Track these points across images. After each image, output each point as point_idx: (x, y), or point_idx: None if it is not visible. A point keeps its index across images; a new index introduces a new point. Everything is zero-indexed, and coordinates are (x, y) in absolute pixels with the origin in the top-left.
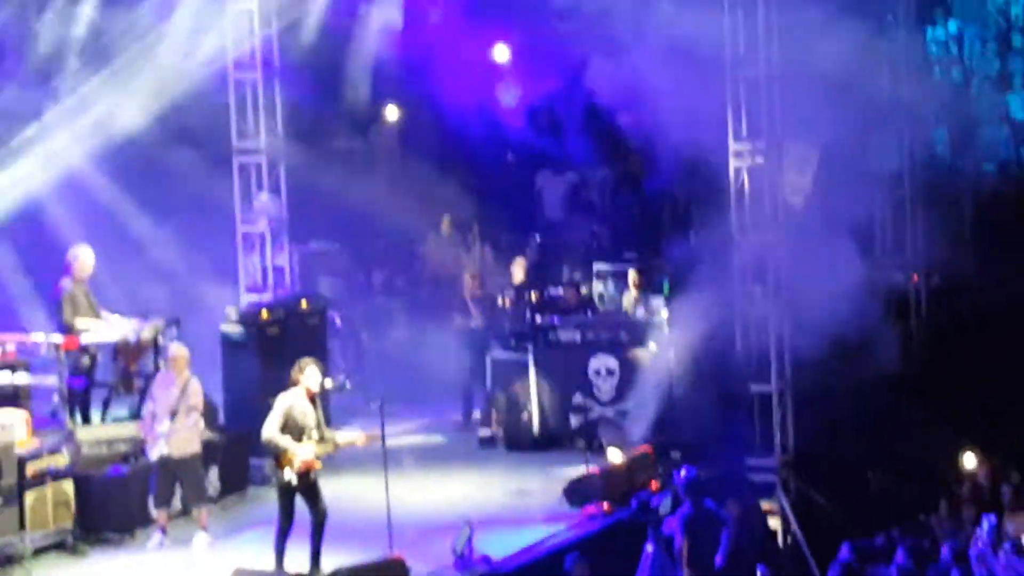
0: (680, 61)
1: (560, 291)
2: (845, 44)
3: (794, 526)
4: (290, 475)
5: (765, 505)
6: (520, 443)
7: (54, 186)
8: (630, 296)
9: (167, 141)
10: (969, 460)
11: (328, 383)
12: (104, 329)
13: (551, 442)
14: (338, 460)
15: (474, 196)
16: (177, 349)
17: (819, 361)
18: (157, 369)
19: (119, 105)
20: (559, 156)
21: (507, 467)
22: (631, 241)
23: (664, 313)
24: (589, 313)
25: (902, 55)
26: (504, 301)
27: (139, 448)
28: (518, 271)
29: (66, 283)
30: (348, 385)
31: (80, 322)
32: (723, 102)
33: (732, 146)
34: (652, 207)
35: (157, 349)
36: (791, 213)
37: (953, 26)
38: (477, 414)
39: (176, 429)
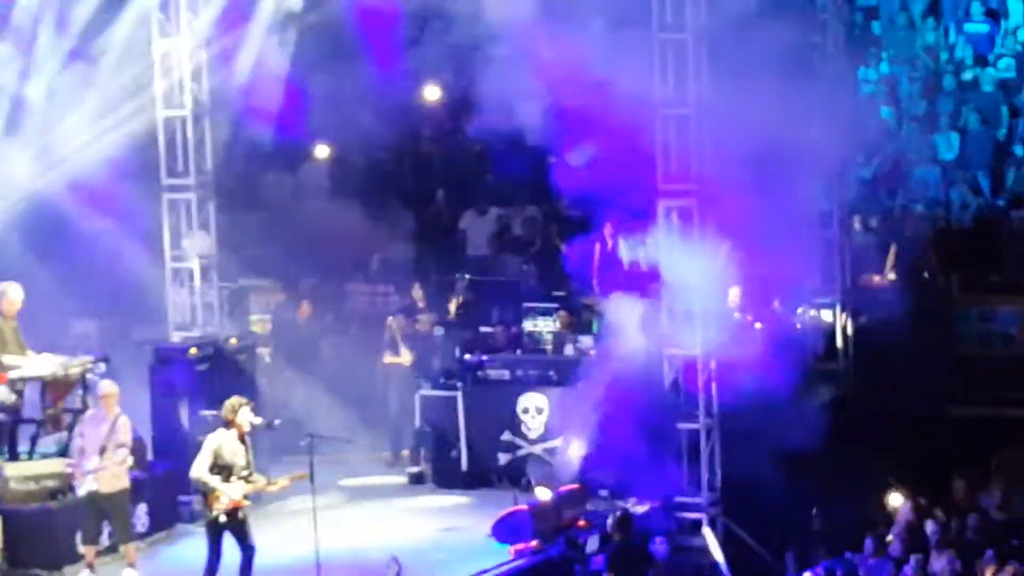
0: (608, 98)
1: (489, 329)
2: (775, 84)
3: (722, 564)
4: (218, 513)
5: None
6: (449, 480)
7: None
8: (559, 335)
9: (99, 175)
10: (895, 499)
11: (258, 421)
12: (32, 365)
13: (480, 479)
14: (267, 497)
15: (404, 234)
16: (107, 386)
17: (747, 401)
18: (85, 406)
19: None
20: (488, 193)
21: (436, 504)
22: (560, 279)
23: (593, 351)
24: (518, 351)
25: (832, 95)
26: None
27: (67, 484)
28: (452, 307)
29: None
30: (277, 423)
31: (7, 358)
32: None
33: (662, 186)
34: (581, 245)
35: (85, 385)
36: (718, 253)
37: (885, 67)
38: (406, 451)
39: (105, 465)
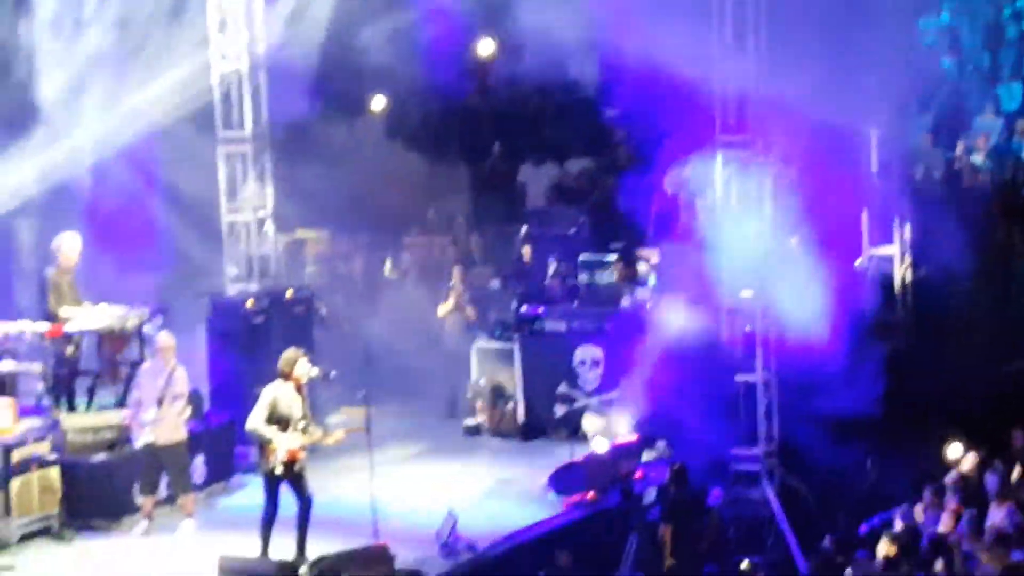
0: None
1: (547, 281)
2: (835, 33)
3: (779, 516)
4: (275, 465)
5: (749, 494)
6: (505, 432)
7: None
8: (615, 286)
9: (153, 130)
10: (954, 450)
11: (314, 372)
12: (89, 318)
13: (536, 431)
14: (323, 449)
15: (461, 187)
16: (164, 338)
17: (804, 352)
18: (142, 358)
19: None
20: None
21: (492, 456)
22: (617, 231)
23: (649, 303)
24: (575, 303)
25: (893, 44)
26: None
27: (125, 436)
28: (526, 253)
29: (50, 272)
30: (333, 375)
31: (64, 310)
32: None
33: (719, 136)
34: (638, 198)
35: (142, 338)
36: (777, 204)
37: (946, 17)
38: (463, 403)
39: (162, 417)
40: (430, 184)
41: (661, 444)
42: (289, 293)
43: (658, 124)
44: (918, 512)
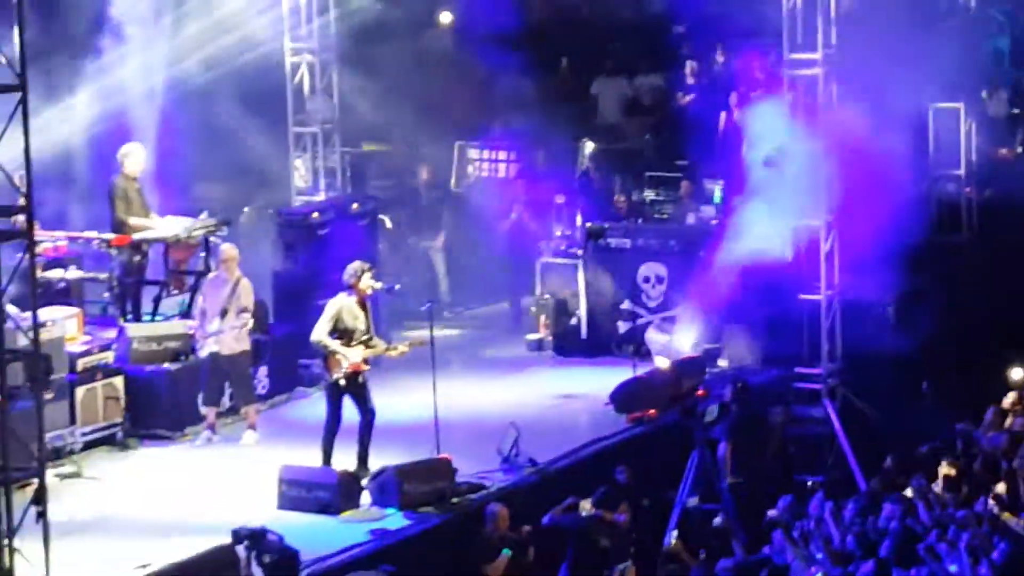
0: None
1: (613, 197)
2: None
3: (840, 435)
4: (339, 376)
5: (810, 413)
6: (568, 348)
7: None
8: (681, 204)
9: (218, 47)
10: (1016, 373)
11: (378, 285)
12: (156, 227)
13: (599, 347)
14: (386, 362)
15: (528, 100)
16: (229, 249)
17: (870, 270)
18: (207, 268)
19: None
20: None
21: (554, 371)
22: (685, 149)
23: (715, 221)
24: (639, 220)
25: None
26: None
27: (189, 346)
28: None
29: (118, 180)
30: (397, 288)
31: (132, 220)
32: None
33: (788, 56)
34: (703, 117)
35: (208, 248)
36: (843, 120)
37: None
38: (526, 317)
39: (226, 328)
40: (497, 97)
41: (723, 362)
42: (354, 206)
43: (726, 42)
44: (979, 433)
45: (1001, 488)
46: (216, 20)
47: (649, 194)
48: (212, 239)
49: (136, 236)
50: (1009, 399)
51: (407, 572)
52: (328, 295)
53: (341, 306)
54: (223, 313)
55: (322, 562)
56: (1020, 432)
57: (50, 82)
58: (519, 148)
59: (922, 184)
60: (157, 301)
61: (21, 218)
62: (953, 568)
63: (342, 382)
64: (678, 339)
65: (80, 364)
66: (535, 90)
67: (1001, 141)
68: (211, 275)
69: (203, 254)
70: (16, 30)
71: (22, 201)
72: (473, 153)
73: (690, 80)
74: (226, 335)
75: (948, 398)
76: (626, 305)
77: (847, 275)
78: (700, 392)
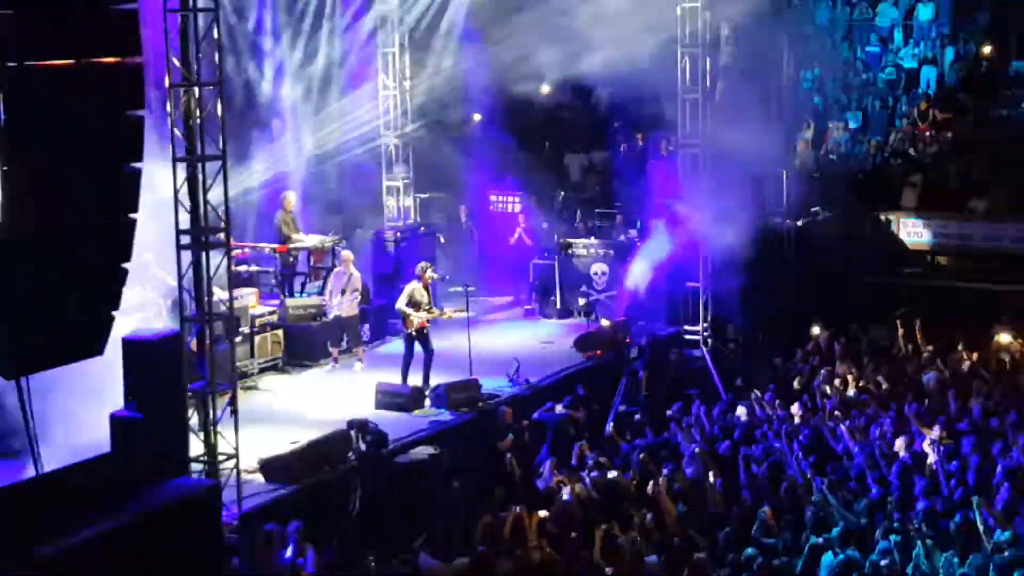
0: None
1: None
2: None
3: (711, 367)
4: (412, 330)
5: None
6: (549, 313)
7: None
8: (618, 228)
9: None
10: (815, 329)
11: (435, 276)
12: (304, 240)
13: (567, 313)
14: (440, 322)
15: (525, 167)
16: (346, 254)
17: (727, 271)
18: (334, 265)
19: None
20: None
21: (540, 327)
22: (618, 197)
23: (638, 240)
24: (592, 238)
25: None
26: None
27: (322, 312)
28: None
29: (279, 214)
30: (447, 278)
31: (291, 236)
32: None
33: (681, 139)
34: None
35: (334, 253)
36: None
37: (817, 71)
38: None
39: (344, 301)
40: (507, 164)
41: (641, 323)
42: (421, 229)
43: (644, 130)
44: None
45: (805, 399)
46: (338, 109)
47: (597, 223)
48: (337, 248)
49: (291, 246)
50: (809, 346)
51: (451, 448)
52: (406, 281)
53: (413, 288)
54: (342, 292)
55: (400, 441)
56: (816, 365)
57: (239, 150)
58: (520, 194)
59: (760, 219)
60: (303, 285)
61: (222, 235)
62: (776, 444)
63: (413, 333)
64: (614, 309)
65: (257, 322)
66: (529, 160)
67: (809, 192)
68: (336, 270)
69: (331, 257)
70: (220, 114)
71: (222, 225)
72: (492, 197)
73: (623, 153)
74: (344, 305)
75: (774, 344)
76: (584, 288)
77: (714, 273)
78: (627, 340)
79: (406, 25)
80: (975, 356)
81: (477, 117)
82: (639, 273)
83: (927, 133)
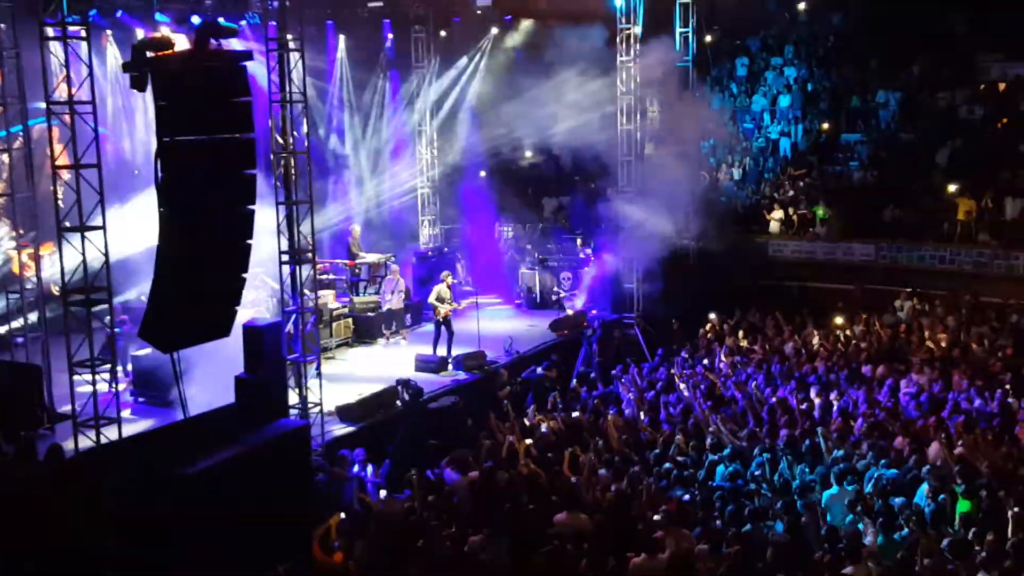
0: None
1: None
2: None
3: (641, 341)
4: (439, 317)
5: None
6: (531, 306)
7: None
8: (580, 248)
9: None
10: (712, 316)
11: (453, 280)
12: (365, 257)
13: (545, 305)
14: (457, 314)
15: (515, 207)
16: (394, 267)
17: (653, 274)
18: (386, 274)
19: None
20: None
21: (526, 316)
22: (580, 225)
23: (592, 255)
24: (561, 255)
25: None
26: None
27: (379, 305)
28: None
29: (349, 239)
30: (462, 282)
31: (357, 254)
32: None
33: (619, 189)
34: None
35: (387, 266)
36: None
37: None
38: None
39: (393, 299)
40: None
41: (595, 312)
42: (445, 249)
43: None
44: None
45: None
46: (388, 167)
47: (564, 244)
48: (388, 262)
49: (357, 261)
50: (707, 327)
51: (466, 398)
52: (435, 283)
53: (440, 287)
54: (392, 292)
55: (432, 392)
56: (711, 339)
57: (321, 197)
58: (512, 225)
59: (673, 241)
60: (365, 288)
61: (310, 254)
62: (687, 393)
63: (440, 320)
64: (577, 303)
65: (335, 313)
66: (518, 203)
67: (706, 222)
68: (387, 277)
69: (385, 269)
70: (308, 172)
71: (310, 247)
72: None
73: (580, 196)
74: (393, 301)
75: (684, 328)
76: (556, 288)
77: (643, 278)
78: (585, 324)
79: (432, 111)
80: (819, 332)
81: (483, 173)
82: (593, 278)
83: (786, 182)
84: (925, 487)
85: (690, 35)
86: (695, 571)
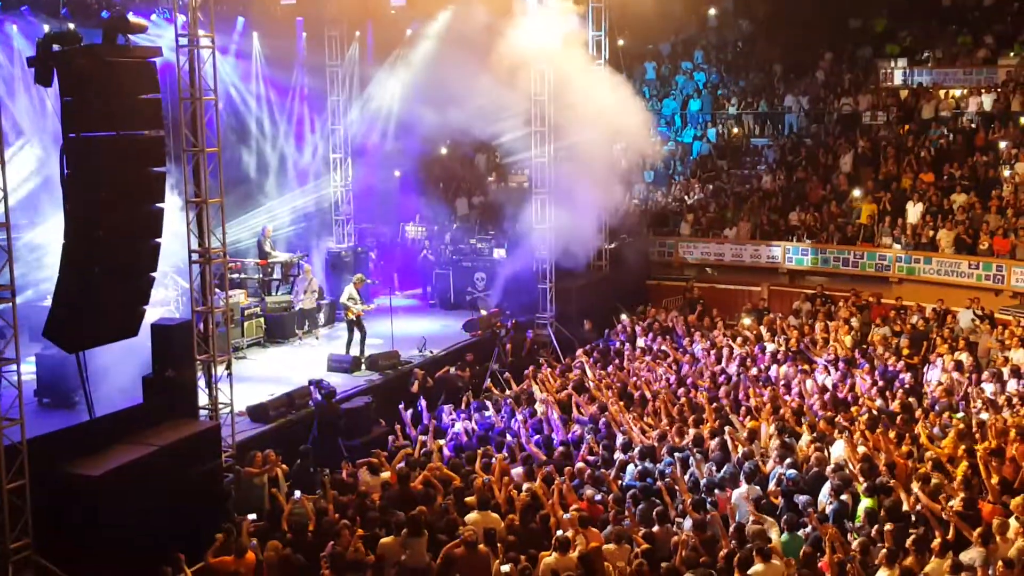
0: None
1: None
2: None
3: (553, 340)
4: (352, 317)
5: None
6: (446, 306)
7: None
8: (492, 248)
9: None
10: (623, 317)
11: (367, 281)
12: (278, 256)
13: (459, 306)
14: (370, 314)
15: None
16: (307, 265)
17: (565, 275)
18: (298, 273)
19: None
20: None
21: (440, 316)
22: (494, 225)
23: (504, 256)
24: (476, 256)
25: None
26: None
27: (291, 305)
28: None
29: (261, 238)
30: (376, 282)
31: (271, 254)
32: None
33: (533, 189)
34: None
35: (299, 265)
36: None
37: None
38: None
39: (305, 298)
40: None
41: (508, 312)
42: (359, 249)
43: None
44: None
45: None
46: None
47: (479, 245)
48: (301, 262)
49: (269, 260)
50: (619, 326)
51: (379, 397)
52: (347, 283)
53: (351, 288)
54: (304, 292)
55: (344, 393)
56: (623, 341)
57: (237, 200)
58: (424, 225)
59: (587, 242)
60: (278, 287)
61: (220, 254)
62: (597, 393)
63: (353, 319)
64: (490, 304)
65: (247, 312)
66: (432, 202)
67: (619, 225)
68: (299, 276)
69: (298, 268)
70: (219, 171)
71: (221, 246)
72: (409, 227)
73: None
74: (305, 300)
75: (596, 328)
76: (470, 288)
77: (556, 279)
78: (499, 324)
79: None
80: (728, 332)
81: (397, 173)
82: (505, 278)
83: (696, 186)
84: (827, 486)
85: (603, 39)
86: (604, 570)
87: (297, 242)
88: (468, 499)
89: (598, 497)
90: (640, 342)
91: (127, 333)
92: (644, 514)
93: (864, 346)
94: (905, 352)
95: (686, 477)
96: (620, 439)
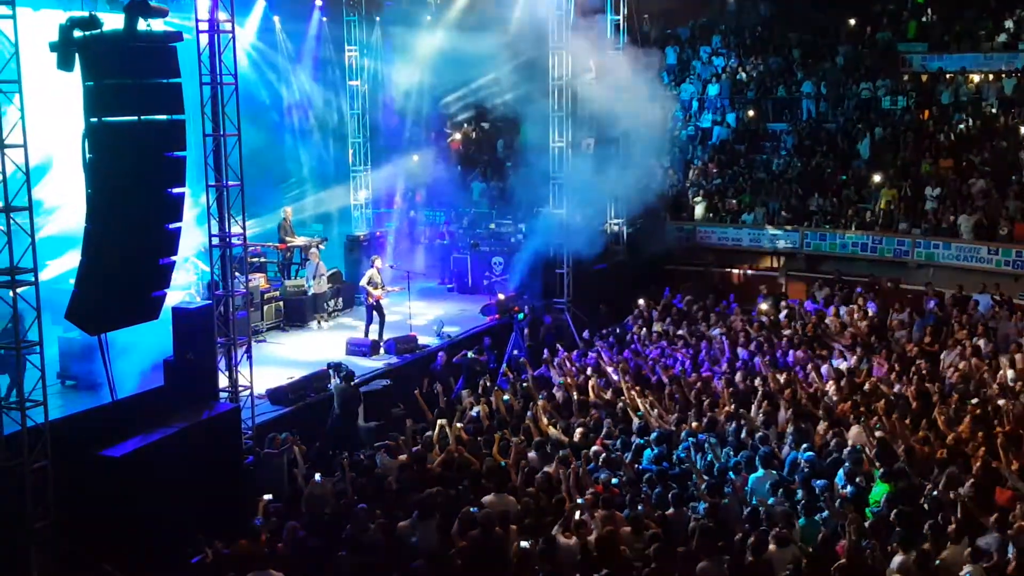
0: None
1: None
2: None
3: (570, 324)
4: (372, 300)
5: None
6: (464, 290)
7: None
8: (510, 232)
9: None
10: (640, 301)
11: (383, 265)
12: (295, 240)
13: (477, 290)
14: (391, 296)
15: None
16: (314, 250)
17: (583, 259)
18: (306, 258)
19: None
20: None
21: (458, 299)
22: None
23: (523, 239)
24: (493, 240)
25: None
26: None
27: (305, 289)
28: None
29: (281, 222)
30: (393, 266)
31: (289, 238)
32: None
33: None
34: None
35: (307, 250)
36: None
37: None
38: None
39: (319, 283)
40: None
41: (525, 296)
42: (377, 232)
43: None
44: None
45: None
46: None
47: (496, 227)
48: (319, 247)
49: (288, 244)
50: (636, 311)
51: (397, 382)
52: (366, 267)
53: (371, 271)
54: (315, 276)
55: (362, 376)
56: (641, 325)
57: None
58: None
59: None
60: (296, 271)
61: (240, 238)
62: (615, 377)
63: (372, 303)
64: (508, 287)
65: (266, 296)
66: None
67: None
68: (307, 261)
69: (316, 252)
70: (239, 155)
71: (241, 231)
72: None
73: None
74: (320, 283)
75: (613, 312)
76: (487, 273)
77: (573, 264)
78: (516, 308)
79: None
80: (744, 318)
81: (415, 157)
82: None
83: (713, 170)
84: (843, 470)
85: (621, 23)
86: (620, 553)
87: (316, 227)
88: (484, 482)
89: (614, 481)
90: (656, 327)
91: (149, 316)
92: (661, 498)
93: (881, 332)
94: (926, 340)
95: (701, 462)
96: (636, 423)
